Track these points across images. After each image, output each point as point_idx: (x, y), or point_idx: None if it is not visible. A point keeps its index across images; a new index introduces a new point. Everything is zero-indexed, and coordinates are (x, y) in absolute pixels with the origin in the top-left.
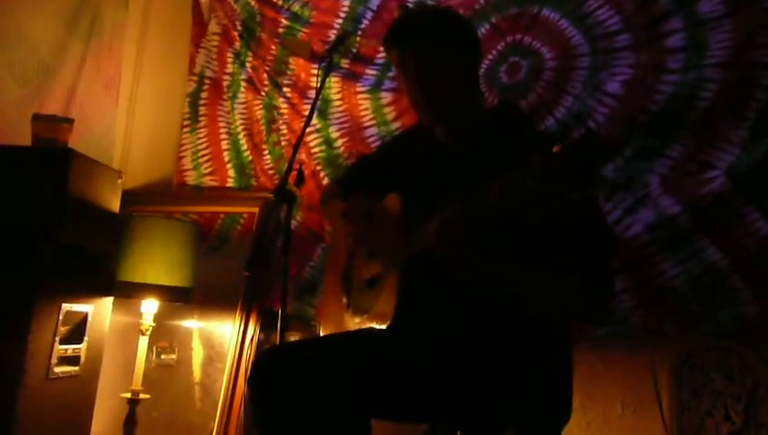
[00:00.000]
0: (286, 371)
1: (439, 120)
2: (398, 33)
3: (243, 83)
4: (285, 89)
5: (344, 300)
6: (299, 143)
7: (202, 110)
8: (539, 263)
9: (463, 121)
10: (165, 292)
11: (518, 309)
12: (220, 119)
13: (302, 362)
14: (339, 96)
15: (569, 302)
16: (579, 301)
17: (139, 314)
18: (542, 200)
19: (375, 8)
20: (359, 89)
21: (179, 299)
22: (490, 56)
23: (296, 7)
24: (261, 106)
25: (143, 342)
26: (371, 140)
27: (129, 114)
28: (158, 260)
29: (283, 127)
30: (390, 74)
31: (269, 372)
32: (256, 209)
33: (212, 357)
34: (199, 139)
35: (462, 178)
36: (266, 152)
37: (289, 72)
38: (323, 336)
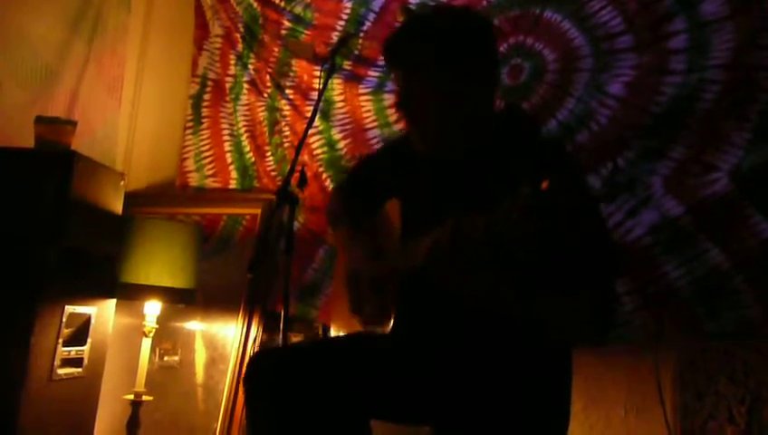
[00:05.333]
0: (281, 372)
1: (433, 150)
2: (392, 52)
3: (245, 85)
4: (288, 91)
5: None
6: (301, 145)
7: (205, 111)
8: (535, 281)
9: (464, 131)
10: (168, 293)
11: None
12: (223, 120)
13: (299, 364)
14: (341, 98)
15: (567, 324)
16: (577, 324)
17: (142, 316)
18: (528, 237)
19: (377, 10)
20: (361, 90)
21: (182, 301)
22: None
23: (298, 9)
24: (263, 108)
25: (146, 343)
26: (374, 141)
27: (131, 116)
28: (160, 262)
29: (286, 129)
30: (393, 76)
31: (264, 373)
32: (259, 211)
33: (215, 359)
34: (202, 140)
35: (462, 188)
36: (269, 154)
37: (291, 74)
38: (322, 339)
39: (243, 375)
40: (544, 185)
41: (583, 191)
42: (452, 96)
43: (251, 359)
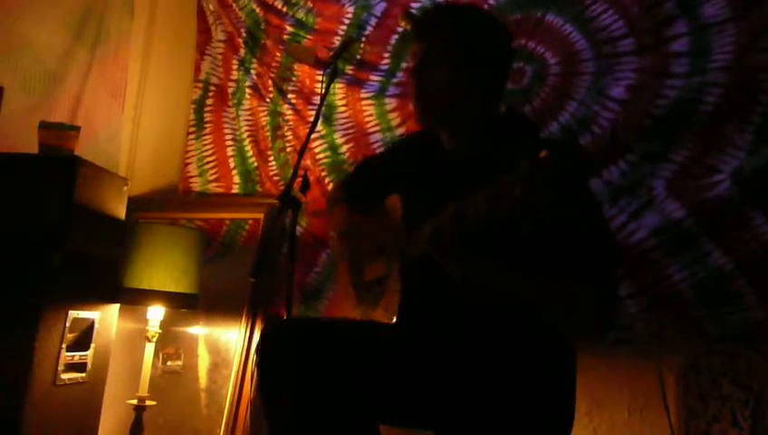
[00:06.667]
0: (294, 352)
1: (434, 126)
2: (420, 23)
3: (248, 90)
4: (290, 95)
5: (354, 297)
6: (304, 149)
7: (207, 116)
8: (538, 271)
9: (466, 128)
10: (171, 298)
11: (520, 316)
12: (225, 125)
13: (312, 349)
14: (343, 102)
15: (569, 312)
16: (579, 312)
17: (146, 321)
18: (530, 210)
19: (379, 14)
20: (363, 95)
21: (185, 305)
22: None
23: (301, 14)
24: (266, 113)
25: (149, 348)
26: (376, 145)
27: (134, 121)
28: (163, 267)
29: (288, 133)
30: (395, 80)
31: (278, 352)
32: (261, 216)
33: (218, 363)
34: (205, 145)
35: (464, 185)
36: (271, 158)
37: (294, 79)
38: (334, 322)
39: (256, 347)
40: (543, 154)
41: (583, 160)
42: (466, 74)
43: (264, 330)
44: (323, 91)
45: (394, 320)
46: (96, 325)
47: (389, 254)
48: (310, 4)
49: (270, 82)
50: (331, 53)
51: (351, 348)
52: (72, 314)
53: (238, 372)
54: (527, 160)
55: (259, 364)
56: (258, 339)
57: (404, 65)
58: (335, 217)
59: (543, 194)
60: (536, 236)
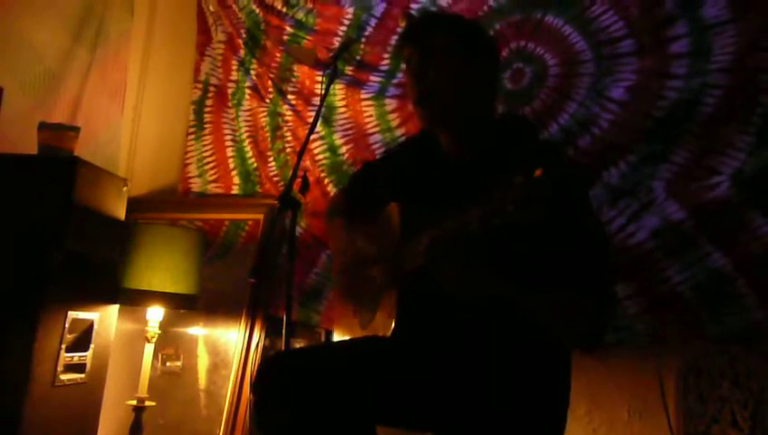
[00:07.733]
0: (291, 378)
1: (437, 124)
2: (413, 29)
3: (247, 91)
4: (290, 96)
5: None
6: (303, 150)
7: (207, 117)
8: (533, 280)
9: (467, 129)
10: (170, 299)
11: (515, 323)
12: (225, 126)
13: (307, 371)
14: (343, 103)
15: (565, 320)
16: (576, 320)
17: (145, 322)
18: (523, 226)
19: (379, 15)
20: (363, 96)
21: (185, 306)
22: None
23: (300, 15)
24: (265, 113)
25: (149, 349)
26: (375, 146)
27: (134, 122)
28: (163, 267)
29: (288, 134)
30: (394, 81)
31: (274, 378)
32: (261, 216)
33: (217, 364)
34: (204, 146)
35: (464, 189)
36: (271, 159)
37: (293, 80)
38: (328, 344)
39: (252, 383)
40: (538, 172)
41: (577, 181)
42: (465, 77)
43: (259, 368)
44: (323, 91)
45: (392, 326)
46: (95, 326)
47: (386, 263)
48: (310, 5)
49: (270, 82)
50: (331, 54)
51: (348, 373)
52: (72, 314)
53: (237, 372)
54: (521, 177)
55: (256, 404)
56: (254, 377)
57: (404, 66)
58: (333, 233)
59: (537, 213)
60: (529, 246)
